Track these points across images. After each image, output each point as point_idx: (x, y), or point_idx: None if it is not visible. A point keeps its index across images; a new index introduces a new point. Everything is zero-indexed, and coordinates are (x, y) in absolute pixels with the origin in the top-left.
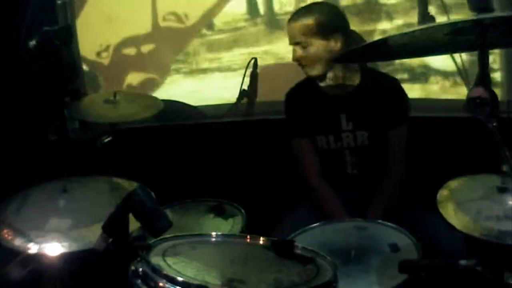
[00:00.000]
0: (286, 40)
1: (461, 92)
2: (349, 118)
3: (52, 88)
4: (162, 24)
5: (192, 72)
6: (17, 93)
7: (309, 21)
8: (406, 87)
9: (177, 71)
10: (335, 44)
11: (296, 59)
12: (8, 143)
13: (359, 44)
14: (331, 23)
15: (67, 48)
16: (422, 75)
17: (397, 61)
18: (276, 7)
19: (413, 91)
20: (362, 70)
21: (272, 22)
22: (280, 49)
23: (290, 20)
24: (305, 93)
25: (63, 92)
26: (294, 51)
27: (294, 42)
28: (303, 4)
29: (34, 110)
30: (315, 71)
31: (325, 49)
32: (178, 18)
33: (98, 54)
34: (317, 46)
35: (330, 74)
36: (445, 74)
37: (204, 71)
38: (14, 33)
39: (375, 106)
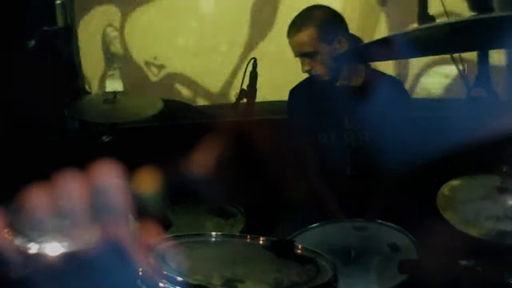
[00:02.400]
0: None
1: None
2: (351, 117)
3: (52, 88)
4: None
5: None
6: (17, 93)
7: (311, 29)
8: None
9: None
10: (340, 46)
11: (307, 70)
12: (8, 143)
13: (360, 42)
14: (333, 25)
15: (67, 48)
16: None
17: None
18: None
19: None
20: (366, 70)
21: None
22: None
23: (291, 32)
24: (308, 91)
25: (63, 92)
26: (303, 63)
27: (301, 54)
28: None
29: (34, 110)
30: (328, 75)
31: (333, 53)
32: None
33: None
34: (325, 52)
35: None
36: None
37: None
38: (14, 33)
39: (378, 106)
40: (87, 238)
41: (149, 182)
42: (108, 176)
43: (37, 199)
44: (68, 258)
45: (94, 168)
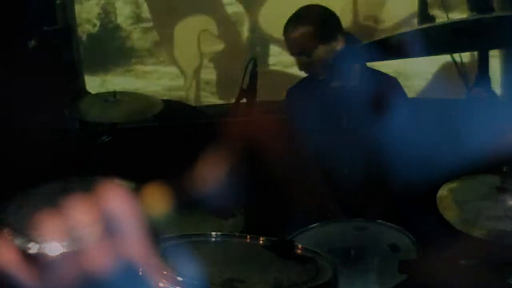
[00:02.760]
0: None
1: None
2: (349, 116)
3: (52, 88)
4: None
5: None
6: (17, 93)
7: (308, 28)
8: None
9: None
10: (337, 45)
11: (303, 69)
12: (8, 143)
13: (357, 42)
14: (329, 24)
15: (67, 48)
16: None
17: None
18: None
19: None
20: (363, 69)
21: None
22: None
23: (287, 31)
24: (305, 90)
25: (63, 92)
26: (299, 62)
27: (297, 53)
28: None
29: (34, 110)
30: (325, 74)
31: (329, 52)
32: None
33: None
34: (321, 51)
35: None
36: None
37: None
38: (14, 33)
39: (376, 105)
40: (88, 238)
41: (158, 201)
42: (118, 198)
43: (47, 226)
44: (68, 258)
45: (103, 189)
